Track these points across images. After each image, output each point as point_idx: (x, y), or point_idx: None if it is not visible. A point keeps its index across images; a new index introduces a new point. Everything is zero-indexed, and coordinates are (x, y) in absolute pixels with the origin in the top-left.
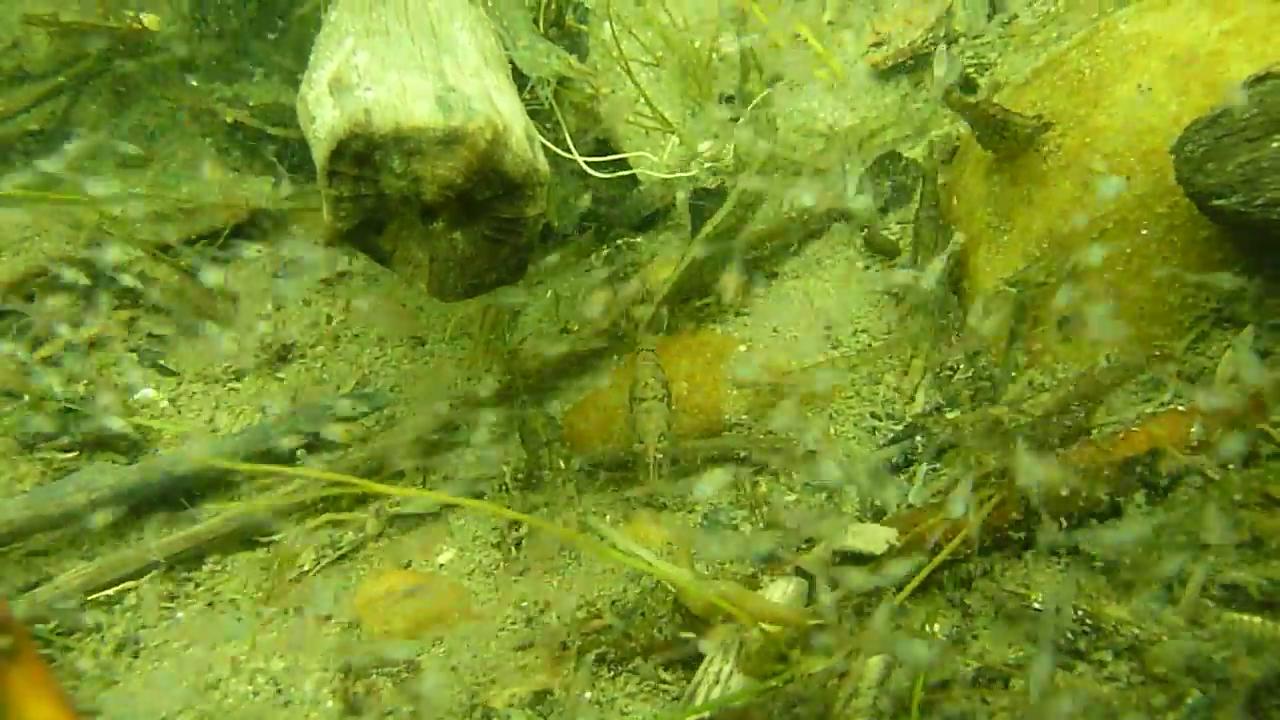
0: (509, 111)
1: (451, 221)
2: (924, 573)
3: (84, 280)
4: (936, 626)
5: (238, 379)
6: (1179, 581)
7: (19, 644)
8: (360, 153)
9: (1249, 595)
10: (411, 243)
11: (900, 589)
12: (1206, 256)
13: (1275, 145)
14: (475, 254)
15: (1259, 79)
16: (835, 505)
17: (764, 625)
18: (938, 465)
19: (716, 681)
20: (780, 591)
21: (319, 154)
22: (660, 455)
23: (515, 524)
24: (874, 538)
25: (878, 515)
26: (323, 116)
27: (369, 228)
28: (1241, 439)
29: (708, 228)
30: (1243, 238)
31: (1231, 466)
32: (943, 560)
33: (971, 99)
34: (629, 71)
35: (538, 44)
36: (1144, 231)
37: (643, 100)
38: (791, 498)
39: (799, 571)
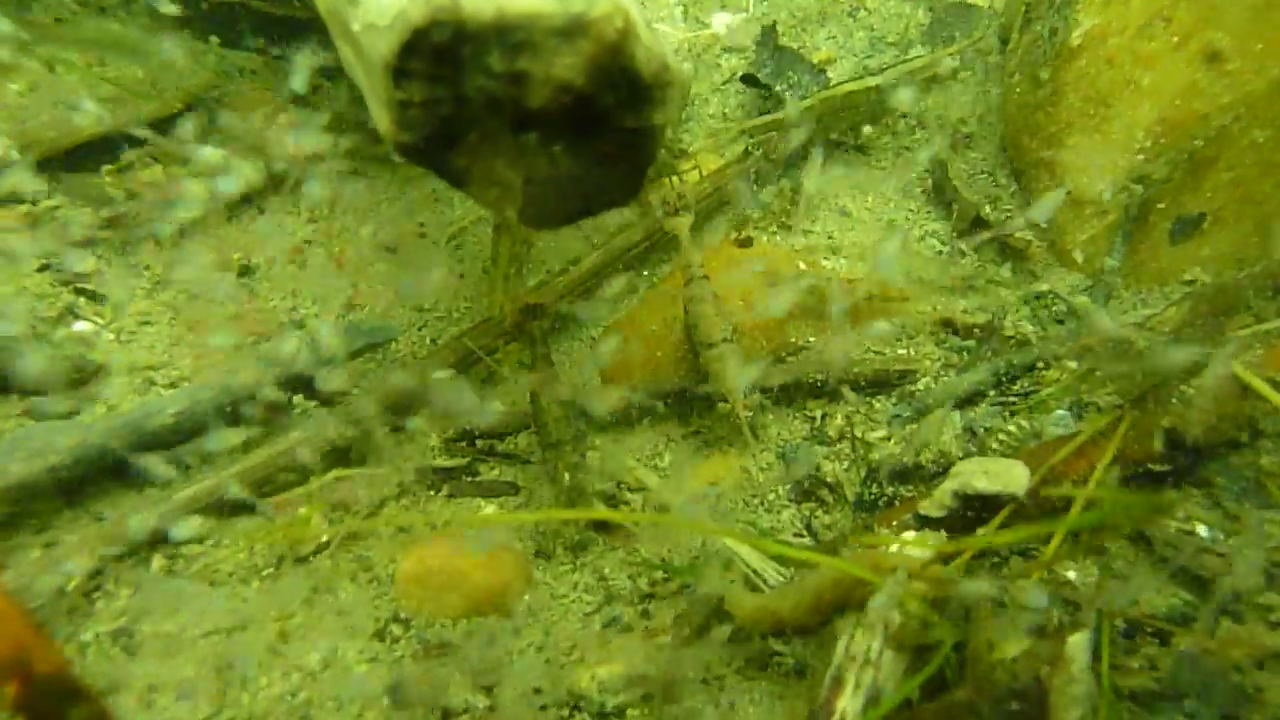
0: None
1: (553, 133)
2: (1067, 522)
3: None
4: (1073, 574)
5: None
6: None
7: None
8: (443, 45)
9: None
10: (498, 160)
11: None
12: None
13: None
14: (582, 173)
15: None
16: (931, 439)
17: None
18: (1037, 388)
19: (867, 661)
20: (919, 546)
21: (381, 47)
22: (751, 412)
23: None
24: (1010, 476)
25: (981, 450)
26: None
27: (440, 140)
28: None
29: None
30: None
31: None
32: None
33: None
34: None
35: None
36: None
37: None
38: (880, 433)
39: (922, 520)
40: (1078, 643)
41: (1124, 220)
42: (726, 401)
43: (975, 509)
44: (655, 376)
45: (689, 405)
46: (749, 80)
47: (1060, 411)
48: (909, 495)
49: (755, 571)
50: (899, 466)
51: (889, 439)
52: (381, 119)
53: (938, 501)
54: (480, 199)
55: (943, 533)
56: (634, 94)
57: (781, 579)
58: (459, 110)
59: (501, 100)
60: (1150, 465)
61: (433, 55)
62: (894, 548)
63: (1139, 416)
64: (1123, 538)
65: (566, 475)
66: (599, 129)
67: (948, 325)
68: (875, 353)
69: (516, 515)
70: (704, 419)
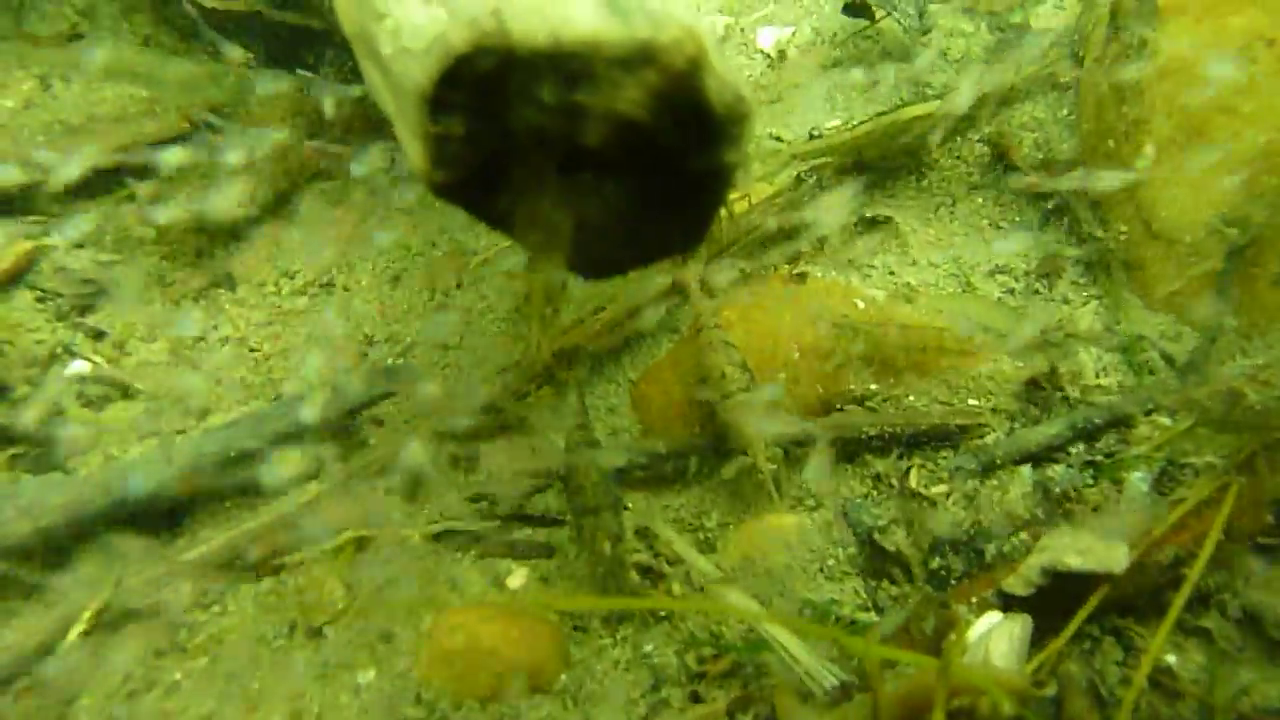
0: (695, 16)
1: (609, 173)
2: (1178, 603)
3: None
4: (1172, 658)
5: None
6: None
7: None
8: (487, 75)
9: None
10: (545, 202)
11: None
12: None
13: None
14: (640, 218)
15: None
16: (1001, 497)
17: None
18: (1123, 446)
19: None
20: (1005, 636)
21: (416, 74)
22: (775, 466)
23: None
24: (1107, 554)
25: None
26: (413, 17)
27: (481, 179)
28: None
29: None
30: None
31: None
32: (1168, 574)
33: None
34: None
35: None
36: None
37: None
38: (940, 488)
39: (1006, 599)
40: None
41: (1226, 261)
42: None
43: (1066, 588)
44: (695, 427)
45: (722, 460)
46: (852, 10)
47: (1137, 475)
48: (982, 566)
49: (806, 672)
50: (964, 532)
51: (948, 495)
52: (415, 154)
53: (1024, 578)
54: (525, 244)
55: (1028, 618)
56: (703, 130)
57: (836, 682)
58: (503, 146)
59: (552, 136)
60: (1259, 538)
61: (475, 86)
62: (977, 631)
63: (1246, 483)
64: (1229, 619)
65: (607, 546)
66: (662, 169)
67: (1031, 383)
68: (942, 403)
69: (548, 599)
70: (741, 476)
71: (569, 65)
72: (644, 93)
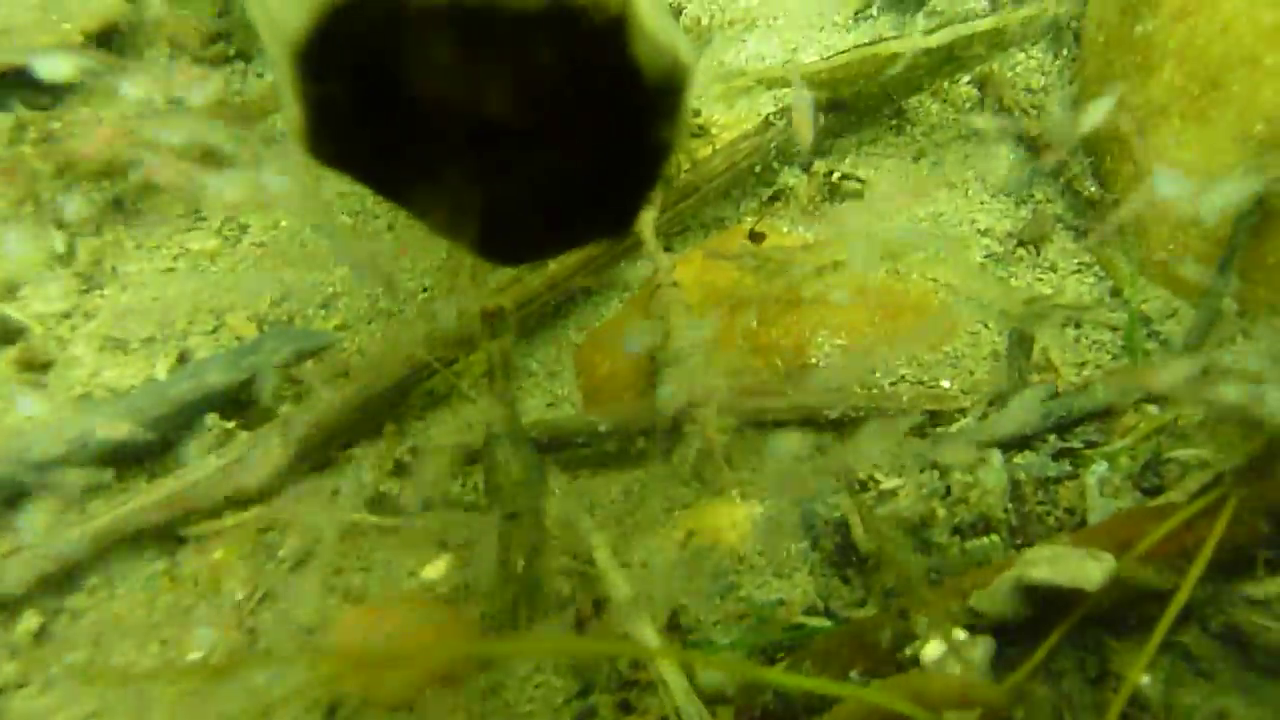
0: None
1: (523, 147)
2: (1165, 622)
3: None
4: (1145, 679)
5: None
6: None
7: None
8: (373, 30)
9: None
10: (449, 177)
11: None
12: None
13: None
14: (560, 198)
15: None
16: (966, 491)
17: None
18: (1103, 438)
19: None
20: (964, 661)
21: (291, 24)
22: (725, 440)
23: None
24: (1082, 570)
25: (1042, 528)
26: None
27: (372, 149)
28: None
29: None
30: None
31: None
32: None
33: None
34: None
35: None
36: None
37: None
38: (897, 480)
39: (974, 616)
40: None
41: (1234, 231)
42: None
43: (1037, 604)
44: (644, 397)
45: (669, 437)
46: None
47: (1096, 468)
48: (946, 569)
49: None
50: (926, 530)
51: (908, 487)
52: (291, 115)
53: (994, 593)
54: (428, 223)
55: (991, 639)
56: (631, 101)
57: None
58: (397, 114)
59: (455, 104)
60: (1254, 550)
61: (358, 42)
62: (935, 653)
63: (1243, 488)
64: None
65: (520, 563)
66: (584, 144)
67: (1010, 359)
68: (915, 382)
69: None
70: (688, 456)
71: (470, 23)
72: (555, 58)
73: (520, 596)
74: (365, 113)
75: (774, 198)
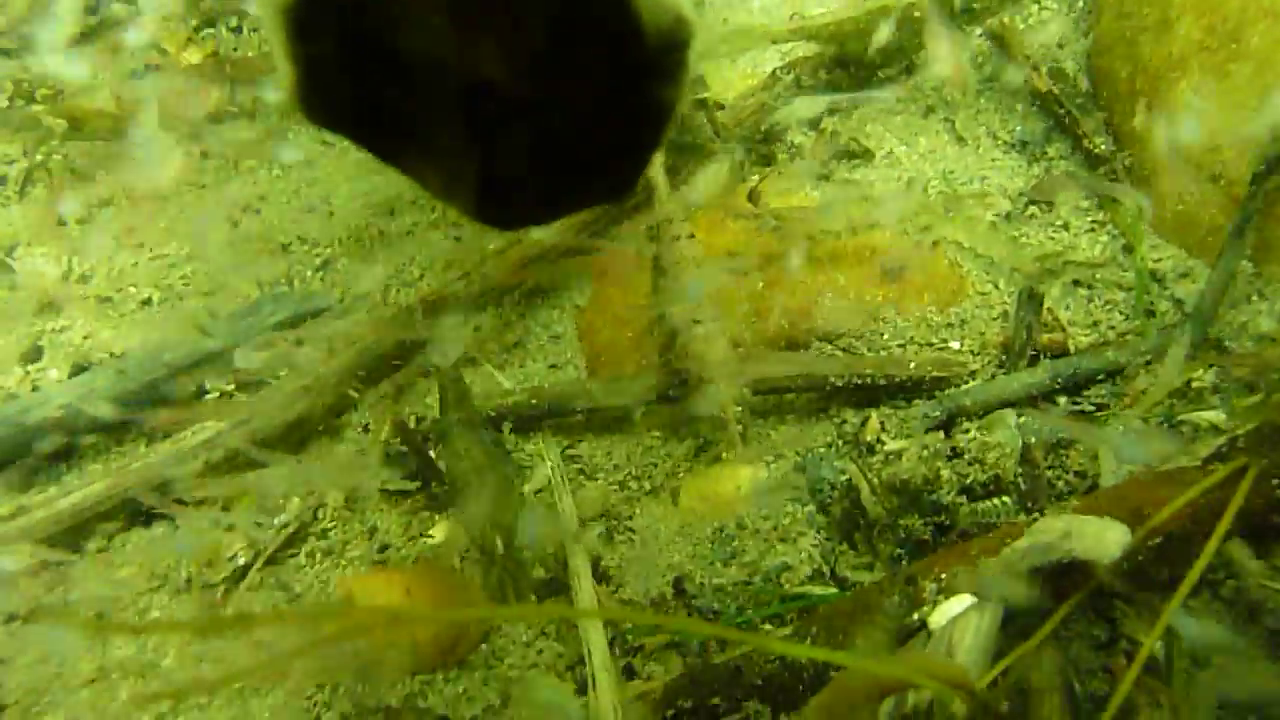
0: None
1: (518, 108)
2: (1184, 588)
3: None
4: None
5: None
6: None
7: None
8: None
9: None
10: (444, 140)
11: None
12: None
13: None
14: (557, 161)
15: None
16: (976, 453)
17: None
18: (1117, 398)
19: None
20: (971, 629)
21: None
22: (740, 409)
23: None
24: (1099, 539)
25: (1053, 492)
26: None
27: (366, 109)
28: None
29: None
30: None
31: None
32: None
33: None
34: None
35: None
36: None
37: None
38: (903, 442)
39: (982, 584)
40: None
41: (1251, 190)
42: (706, 397)
43: (1053, 575)
44: (649, 361)
45: (673, 404)
46: None
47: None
48: (956, 534)
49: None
50: (933, 494)
51: (915, 450)
52: (283, 76)
53: (1005, 563)
54: (424, 186)
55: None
56: (631, 60)
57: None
58: (390, 74)
59: (449, 63)
60: (1272, 517)
61: (351, 0)
62: (945, 616)
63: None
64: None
65: (499, 545)
66: (584, 104)
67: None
68: (924, 344)
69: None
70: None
71: None
72: (553, 15)
73: (504, 578)
74: (358, 73)
75: (776, 156)
